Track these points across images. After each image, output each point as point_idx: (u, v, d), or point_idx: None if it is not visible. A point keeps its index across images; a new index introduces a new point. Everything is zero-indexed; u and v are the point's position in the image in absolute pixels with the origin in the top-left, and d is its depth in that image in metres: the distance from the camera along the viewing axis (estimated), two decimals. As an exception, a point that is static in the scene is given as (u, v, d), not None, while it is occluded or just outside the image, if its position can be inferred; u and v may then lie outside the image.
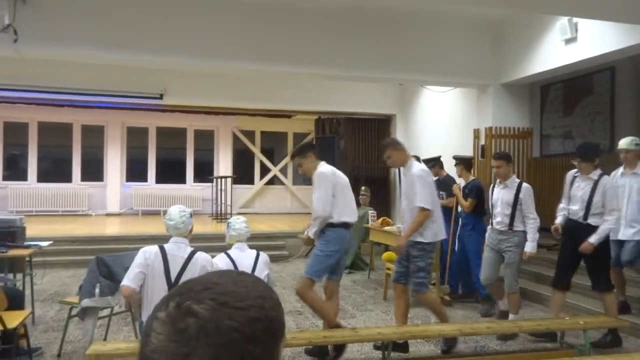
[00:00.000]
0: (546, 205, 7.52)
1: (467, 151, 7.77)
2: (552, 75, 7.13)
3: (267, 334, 0.64)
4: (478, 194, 5.75)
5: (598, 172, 4.51)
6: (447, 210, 5.87)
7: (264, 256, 3.74)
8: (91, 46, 6.11)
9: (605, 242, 4.46)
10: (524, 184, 4.74)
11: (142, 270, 3.16)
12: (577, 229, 4.48)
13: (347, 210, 4.14)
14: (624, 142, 4.91)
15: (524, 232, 4.63)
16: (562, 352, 4.13)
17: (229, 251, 3.68)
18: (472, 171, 6.23)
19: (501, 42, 7.36)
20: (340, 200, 4.09)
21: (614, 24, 5.40)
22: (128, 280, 3.14)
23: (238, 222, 3.79)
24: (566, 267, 4.59)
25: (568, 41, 6.13)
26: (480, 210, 5.76)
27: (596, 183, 4.43)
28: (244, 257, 3.60)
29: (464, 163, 6.06)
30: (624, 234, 4.82)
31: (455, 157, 6.27)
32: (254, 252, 3.73)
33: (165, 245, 3.27)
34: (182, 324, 0.61)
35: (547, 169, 8.53)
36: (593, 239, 4.35)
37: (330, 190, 4.05)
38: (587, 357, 3.58)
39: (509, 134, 7.50)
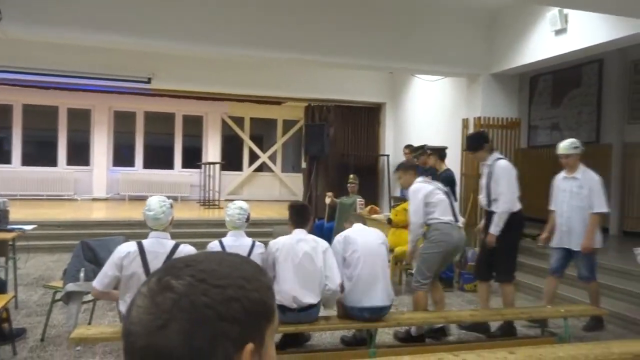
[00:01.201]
0: (533, 195, 7.60)
1: (457, 141, 7.81)
2: (541, 66, 7.16)
3: (248, 315, 0.64)
4: (451, 184, 5.86)
5: (494, 156, 4.54)
6: None
7: (259, 247, 3.62)
8: (78, 27, 5.99)
9: (511, 230, 4.39)
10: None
11: (115, 273, 3.00)
12: (488, 218, 4.53)
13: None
14: (562, 146, 4.67)
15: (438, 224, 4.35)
16: (544, 340, 4.20)
17: (223, 239, 3.61)
18: (445, 161, 6.30)
19: (492, 33, 7.36)
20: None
21: (603, 15, 5.42)
22: (98, 283, 3.01)
23: (232, 208, 3.65)
24: (482, 259, 4.68)
25: (558, 32, 6.14)
26: None
27: (491, 168, 4.48)
28: (236, 247, 3.50)
29: (437, 153, 6.18)
30: (575, 244, 4.57)
31: (428, 148, 6.33)
32: (250, 241, 3.61)
33: (144, 242, 3.07)
34: (159, 297, 0.62)
35: (534, 160, 8.61)
36: (492, 229, 4.37)
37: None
38: (567, 344, 3.64)
39: (498, 124, 7.54)
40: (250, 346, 0.63)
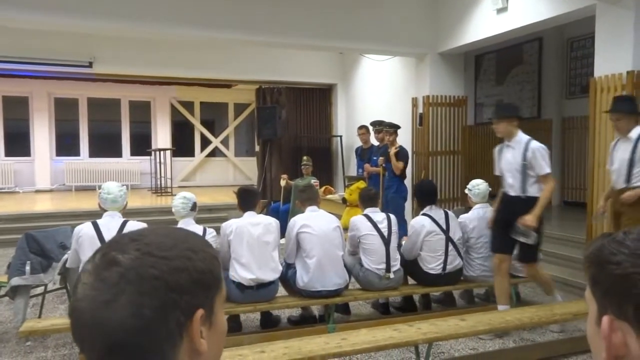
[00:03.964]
0: (480, 171, 7.88)
1: (407, 119, 7.97)
2: (484, 45, 7.37)
3: (196, 285, 0.65)
4: (406, 159, 6.41)
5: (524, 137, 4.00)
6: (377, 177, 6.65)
7: (211, 232, 3.75)
8: (9, 7, 5.63)
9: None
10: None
11: (78, 251, 3.35)
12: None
13: None
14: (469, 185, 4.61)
15: None
16: (490, 307, 4.41)
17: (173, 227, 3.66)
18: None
19: (438, 12, 7.49)
20: None
21: (542, -6, 5.63)
22: (71, 263, 3.45)
23: (176, 199, 3.86)
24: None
25: (499, 11, 6.33)
26: (403, 173, 6.41)
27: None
28: None
29: (396, 131, 6.50)
30: None
31: (392, 125, 6.50)
32: (200, 227, 3.72)
33: (98, 220, 3.39)
34: (105, 273, 0.63)
35: (480, 136, 8.92)
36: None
37: None
38: (513, 309, 3.85)
39: (445, 102, 7.73)
40: (200, 312, 0.65)
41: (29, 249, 3.82)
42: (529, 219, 3.75)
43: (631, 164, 3.94)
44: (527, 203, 3.83)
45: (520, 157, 3.88)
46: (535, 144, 3.90)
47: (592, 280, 0.68)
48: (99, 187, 3.65)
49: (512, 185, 3.93)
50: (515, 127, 4.00)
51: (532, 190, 3.86)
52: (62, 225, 4.52)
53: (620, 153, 4.04)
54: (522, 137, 3.97)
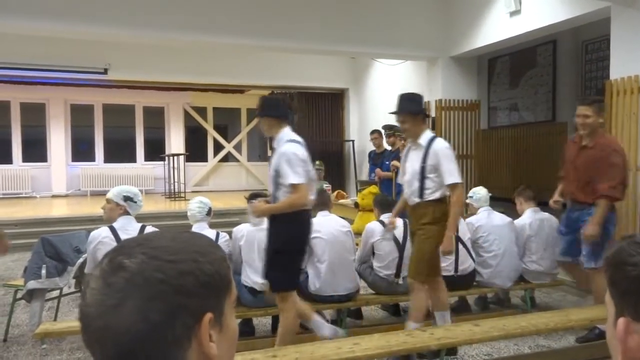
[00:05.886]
0: (494, 175, 7.81)
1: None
2: (498, 48, 7.32)
3: (204, 288, 0.65)
4: None
5: None
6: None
7: (224, 236, 3.77)
8: (27, 16, 5.73)
9: None
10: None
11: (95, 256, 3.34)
12: None
13: None
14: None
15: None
16: (508, 312, 4.37)
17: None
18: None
19: (450, 15, 7.46)
20: None
21: (555, -4, 5.58)
22: (90, 269, 3.43)
23: (192, 203, 3.89)
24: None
25: (513, 14, 6.29)
26: None
27: None
28: None
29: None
30: None
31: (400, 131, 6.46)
32: (214, 232, 3.75)
33: (114, 224, 3.42)
34: (113, 278, 0.63)
35: (495, 141, 8.85)
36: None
37: None
38: (529, 314, 3.80)
39: (458, 106, 7.69)
40: (208, 316, 0.64)
41: (44, 253, 3.87)
42: None
43: (422, 175, 3.37)
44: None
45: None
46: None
47: (611, 282, 0.68)
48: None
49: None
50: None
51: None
52: (78, 230, 4.58)
53: (411, 163, 3.48)
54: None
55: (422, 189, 3.38)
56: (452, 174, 3.33)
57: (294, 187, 3.05)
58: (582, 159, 3.78)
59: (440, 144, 3.42)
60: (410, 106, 3.45)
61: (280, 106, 3.33)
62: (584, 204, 3.80)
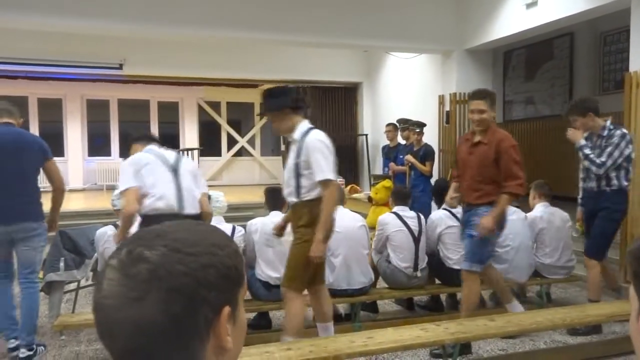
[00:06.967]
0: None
1: (434, 117, 7.88)
2: (514, 41, 7.22)
3: (222, 280, 0.65)
4: (432, 158, 6.34)
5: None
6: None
7: (239, 230, 3.80)
8: (43, 12, 5.80)
9: None
10: None
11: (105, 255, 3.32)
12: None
13: None
14: None
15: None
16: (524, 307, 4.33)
17: None
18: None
19: (465, 7, 7.38)
20: None
21: (573, -13, 5.48)
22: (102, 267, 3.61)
23: (219, 199, 3.96)
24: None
25: (529, 6, 6.19)
26: (430, 172, 6.31)
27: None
28: None
29: (422, 130, 6.41)
30: None
31: (417, 123, 6.44)
32: (230, 226, 3.78)
33: (118, 222, 3.42)
34: (133, 269, 0.62)
35: (510, 134, 8.74)
36: None
37: None
38: (545, 310, 3.77)
39: (473, 99, 7.60)
40: (227, 309, 0.65)
41: (62, 246, 3.94)
42: None
43: (297, 173, 3.02)
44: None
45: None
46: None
47: (635, 276, 0.66)
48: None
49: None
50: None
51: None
52: (94, 224, 4.64)
53: (289, 159, 3.10)
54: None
55: (298, 187, 3.02)
56: (322, 170, 2.94)
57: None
58: (476, 156, 3.50)
59: (312, 137, 3.02)
60: (270, 104, 3.12)
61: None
62: (472, 205, 3.53)
